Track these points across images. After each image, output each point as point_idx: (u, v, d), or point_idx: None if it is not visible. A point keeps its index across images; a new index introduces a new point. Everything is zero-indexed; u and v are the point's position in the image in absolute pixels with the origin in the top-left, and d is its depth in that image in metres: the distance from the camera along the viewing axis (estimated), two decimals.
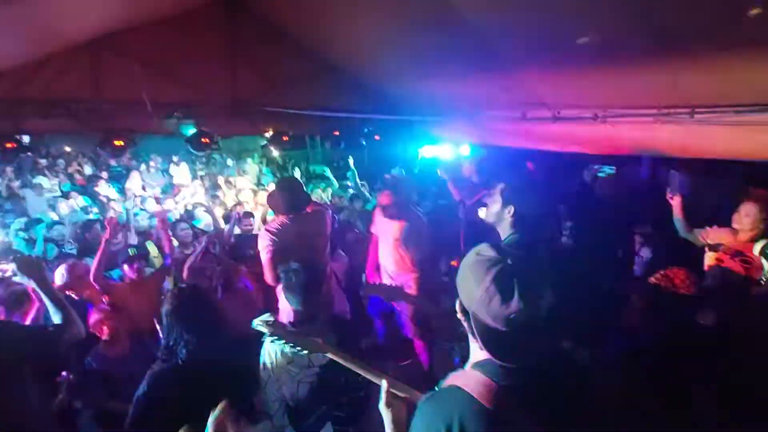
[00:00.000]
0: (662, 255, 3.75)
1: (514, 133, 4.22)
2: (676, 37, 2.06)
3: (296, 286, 2.02)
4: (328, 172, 6.70)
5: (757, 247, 2.37)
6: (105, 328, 2.68)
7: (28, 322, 2.51)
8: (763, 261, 1.69)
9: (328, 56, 3.94)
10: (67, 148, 9.92)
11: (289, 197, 2.76)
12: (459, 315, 1.05)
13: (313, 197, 6.12)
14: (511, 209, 1.92)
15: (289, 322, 2.02)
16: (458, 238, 4.09)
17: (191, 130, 4.11)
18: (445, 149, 6.11)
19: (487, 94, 3.85)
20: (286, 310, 2.56)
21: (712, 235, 2.93)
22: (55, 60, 2.95)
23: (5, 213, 6.04)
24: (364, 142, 5.51)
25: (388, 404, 1.18)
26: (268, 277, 2.69)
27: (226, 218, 4.75)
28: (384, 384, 1.20)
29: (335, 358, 1.35)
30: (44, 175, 7.89)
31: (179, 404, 1.75)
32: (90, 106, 3.30)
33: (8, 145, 3.17)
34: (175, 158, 8.72)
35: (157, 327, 2.81)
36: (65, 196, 6.91)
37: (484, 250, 1.04)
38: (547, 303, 0.96)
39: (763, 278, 1.72)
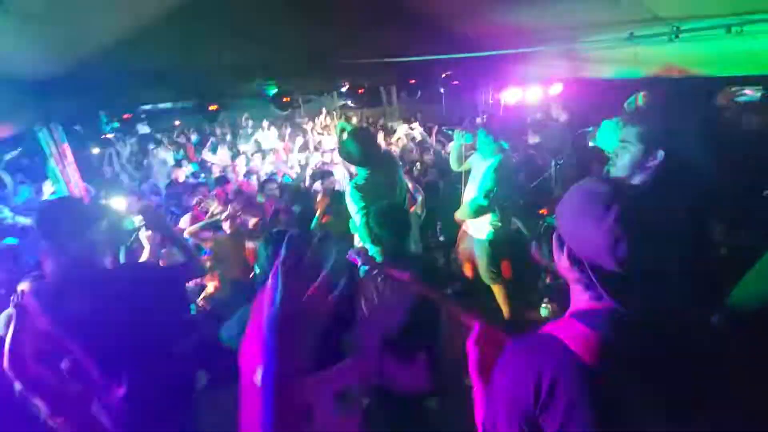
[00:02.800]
0: None
1: (616, 59, 3.61)
2: None
3: (389, 226, 2.05)
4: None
5: None
6: (209, 274, 3.09)
7: None
8: None
9: None
10: (177, 122, 10.96)
11: (365, 149, 2.66)
12: (563, 265, 0.92)
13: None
14: (659, 155, 1.57)
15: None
16: (547, 187, 3.76)
17: (273, 90, 4.27)
18: (532, 90, 5.55)
19: (581, 15, 3.31)
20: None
21: None
22: (148, 32, 3.11)
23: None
24: (441, 89, 5.22)
25: (478, 342, 1.12)
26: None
27: (313, 176, 4.99)
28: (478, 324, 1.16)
29: (428, 292, 1.34)
30: (162, 146, 8.93)
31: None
32: (182, 74, 3.57)
33: (125, 117, 3.64)
34: (265, 123, 9.24)
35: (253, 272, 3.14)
36: (179, 164, 7.82)
37: (595, 185, 0.87)
38: (676, 244, 0.81)
39: None
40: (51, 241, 1.59)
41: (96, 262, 1.68)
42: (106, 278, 1.67)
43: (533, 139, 4.21)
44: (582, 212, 0.86)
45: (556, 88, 5.18)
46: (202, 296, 3.24)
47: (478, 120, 6.03)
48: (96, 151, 6.93)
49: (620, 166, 1.68)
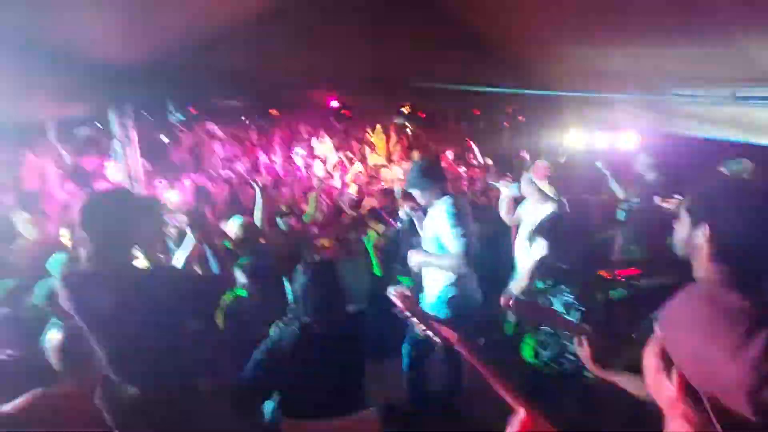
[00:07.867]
0: None
1: (710, 118, 3.24)
2: None
3: None
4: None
5: None
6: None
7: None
8: None
9: (474, 24, 3.54)
10: (243, 117, 11.14)
11: (431, 180, 2.53)
12: (667, 394, 0.74)
13: None
14: (705, 230, 1.15)
15: None
16: (610, 245, 3.41)
17: (334, 103, 4.26)
18: (603, 137, 5.18)
19: (676, 64, 3.01)
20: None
21: None
22: (222, 35, 3.17)
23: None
24: (506, 123, 4.99)
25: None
26: None
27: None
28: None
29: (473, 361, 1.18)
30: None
31: (292, 368, 1.78)
32: (251, 76, 3.62)
33: (192, 110, 3.76)
34: (321, 132, 9.34)
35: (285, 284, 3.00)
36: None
37: (723, 293, 0.68)
38: None
39: None
40: (89, 235, 1.56)
41: (128, 259, 1.66)
42: (134, 279, 1.63)
43: (621, 194, 3.93)
44: (707, 333, 0.63)
45: (631, 139, 4.80)
46: (231, 299, 3.14)
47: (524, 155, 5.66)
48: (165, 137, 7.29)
49: (677, 245, 1.23)
